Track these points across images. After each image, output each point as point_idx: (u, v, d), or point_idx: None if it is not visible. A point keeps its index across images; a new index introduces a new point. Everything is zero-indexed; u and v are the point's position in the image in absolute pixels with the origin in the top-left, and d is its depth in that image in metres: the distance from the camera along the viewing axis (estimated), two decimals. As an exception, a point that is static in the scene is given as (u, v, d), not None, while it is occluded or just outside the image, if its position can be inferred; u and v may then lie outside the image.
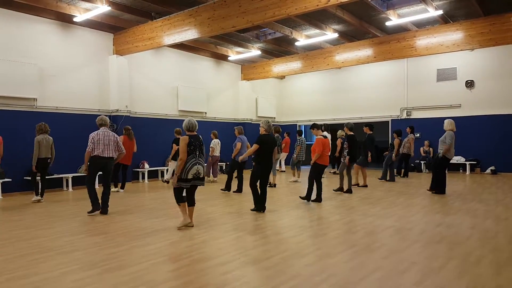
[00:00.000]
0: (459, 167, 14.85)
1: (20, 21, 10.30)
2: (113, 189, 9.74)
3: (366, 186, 10.42)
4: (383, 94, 16.74)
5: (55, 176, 10.58)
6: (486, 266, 3.92)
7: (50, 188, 10.52)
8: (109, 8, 9.93)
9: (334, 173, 14.85)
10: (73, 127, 11.33)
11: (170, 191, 10.41)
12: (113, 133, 7.07)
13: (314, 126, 8.24)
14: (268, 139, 6.92)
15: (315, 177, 8.00)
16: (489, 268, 3.86)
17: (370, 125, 10.85)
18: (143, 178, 13.17)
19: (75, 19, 10.68)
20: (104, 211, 6.99)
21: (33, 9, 10.20)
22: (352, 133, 9.28)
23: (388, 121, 16.54)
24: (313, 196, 8.03)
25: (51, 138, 8.50)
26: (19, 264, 4.16)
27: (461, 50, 11.80)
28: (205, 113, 15.65)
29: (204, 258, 4.27)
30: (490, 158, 14.04)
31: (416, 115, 15.93)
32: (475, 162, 14.34)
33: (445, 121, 8.94)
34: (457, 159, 14.66)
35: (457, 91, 14.93)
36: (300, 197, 8.25)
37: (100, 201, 7.01)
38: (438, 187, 8.87)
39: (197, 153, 5.53)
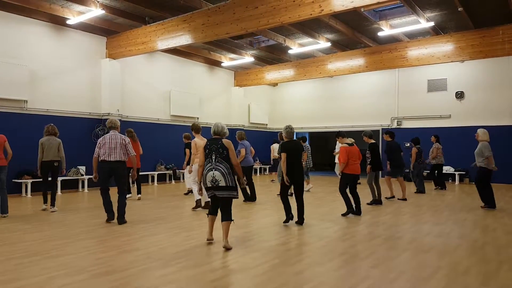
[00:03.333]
0: (448, 177, 15.01)
1: (12, 23, 10.23)
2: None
3: (405, 199, 9.56)
4: (374, 103, 16.90)
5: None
6: (474, 276, 3.95)
7: (39, 191, 10.37)
8: (103, 11, 9.91)
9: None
10: (64, 130, 11.17)
11: (160, 196, 10.35)
12: (123, 136, 6.59)
13: (339, 134, 7.83)
14: (291, 145, 6.52)
15: (345, 188, 7.47)
16: (477, 278, 3.89)
17: (390, 132, 9.98)
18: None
19: (68, 22, 10.63)
20: (120, 221, 6.46)
21: (25, 10, 10.14)
22: (373, 140, 8.87)
23: (379, 130, 16.68)
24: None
25: (58, 140, 7.95)
26: (4, 268, 4.09)
27: (452, 61, 11.98)
28: (198, 118, 15.63)
29: (194, 264, 4.24)
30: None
31: (406, 124, 16.09)
32: (464, 173, 14.51)
33: (479, 130, 8.60)
34: (446, 169, 14.80)
35: (447, 102, 15.14)
36: (341, 214, 7.41)
37: (117, 209, 6.56)
38: (488, 201, 8.51)
39: (213, 158, 4.91)
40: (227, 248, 4.84)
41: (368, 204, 8.71)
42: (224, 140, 5.02)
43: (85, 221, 6.70)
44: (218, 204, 5.08)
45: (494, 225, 6.55)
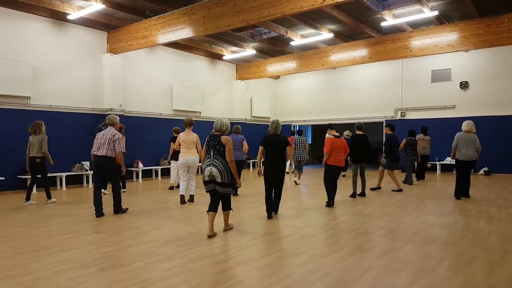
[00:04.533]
0: (452, 168, 14.96)
1: (13, 19, 10.21)
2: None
3: (400, 190, 9.61)
4: (378, 94, 16.82)
5: (48, 174, 10.47)
6: (478, 266, 3.95)
7: (43, 186, 10.44)
8: (103, 6, 9.87)
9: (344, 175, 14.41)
10: (66, 126, 11.27)
11: (163, 191, 10.39)
12: (113, 132, 6.69)
13: (328, 126, 7.92)
14: (270, 139, 6.47)
15: (327, 179, 7.57)
16: (482, 268, 3.89)
17: (390, 125, 10.17)
18: (137, 177, 13.12)
19: (68, 17, 10.61)
20: (114, 211, 6.88)
21: (26, 6, 10.12)
22: (360, 132, 8.89)
23: (383, 122, 16.61)
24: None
25: (42, 136, 8.04)
26: (12, 263, 4.13)
27: (456, 51, 11.87)
28: (200, 112, 15.62)
29: (199, 257, 4.27)
30: (484, 159, 14.12)
31: (410, 115, 16.01)
32: (468, 163, 14.44)
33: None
34: (450, 160, 14.77)
35: (451, 92, 15.04)
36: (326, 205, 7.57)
37: (113, 203, 6.91)
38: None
39: (211, 154, 5.08)
40: (229, 229, 5.42)
41: (350, 196, 8.70)
42: (223, 137, 5.13)
43: (90, 216, 6.74)
44: (217, 200, 5.27)
45: (499, 215, 6.53)
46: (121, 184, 9.43)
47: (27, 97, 10.41)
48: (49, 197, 8.31)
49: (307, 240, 5.04)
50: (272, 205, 6.54)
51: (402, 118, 16.05)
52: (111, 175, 6.78)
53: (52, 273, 3.79)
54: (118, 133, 6.78)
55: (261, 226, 5.81)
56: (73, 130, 11.41)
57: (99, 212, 6.65)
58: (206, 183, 5.16)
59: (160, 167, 13.71)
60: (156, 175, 13.81)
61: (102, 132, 6.76)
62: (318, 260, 4.15)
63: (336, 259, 4.20)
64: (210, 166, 5.05)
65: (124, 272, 3.81)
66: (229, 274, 3.74)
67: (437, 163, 15.02)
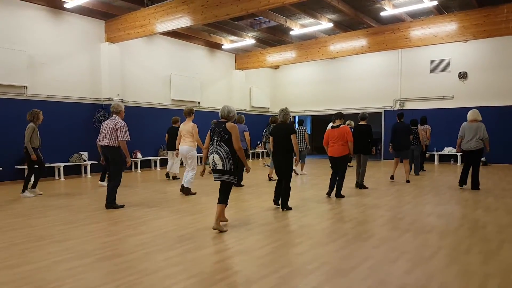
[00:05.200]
0: (450, 158, 15.02)
1: (9, 7, 10.10)
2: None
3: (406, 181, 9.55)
4: (377, 85, 16.78)
5: (46, 164, 10.46)
6: (475, 255, 3.98)
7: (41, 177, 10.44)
8: (101, -6, 9.77)
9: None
10: (64, 115, 11.22)
11: (162, 182, 10.40)
12: (116, 120, 6.48)
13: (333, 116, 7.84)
14: (277, 127, 6.44)
15: (333, 168, 7.55)
16: (478, 257, 3.91)
17: (398, 113, 10.25)
18: (136, 168, 13.12)
19: (65, 5, 10.50)
20: (106, 206, 6.55)
21: (23, -6, 10.01)
22: (363, 122, 8.78)
23: (382, 112, 16.60)
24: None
25: (28, 125, 7.83)
26: (10, 253, 4.14)
27: (455, 41, 11.81)
28: (199, 102, 15.57)
29: (197, 247, 4.28)
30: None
31: (409, 106, 16.00)
32: (466, 153, 14.47)
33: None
34: (448, 150, 14.83)
35: (450, 83, 15.01)
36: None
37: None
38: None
39: (215, 141, 4.90)
40: (219, 231, 4.89)
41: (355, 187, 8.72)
42: (228, 124, 4.94)
43: (89, 206, 6.75)
44: None
45: (496, 205, 6.57)
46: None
47: (24, 86, 10.35)
48: (33, 186, 8.01)
49: (306, 229, 5.05)
50: (279, 195, 6.48)
51: (401, 108, 16.03)
52: (114, 166, 6.49)
53: (50, 263, 3.80)
54: (121, 121, 6.53)
55: (260, 216, 5.83)
56: (71, 120, 11.37)
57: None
58: (213, 172, 4.98)
59: (159, 157, 13.70)
60: (155, 166, 13.82)
61: (106, 121, 6.57)
62: (316, 250, 4.17)
63: (334, 248, 4.22)
64: (213, 153, 4.89)
65: (123, 261, 3.82)
66: (228, 264, 3.76)
67: (435, 153, 15.05)
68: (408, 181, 9.49)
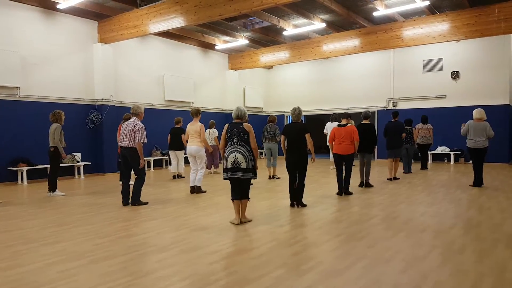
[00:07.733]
0: (444, 157, 15.12)
1: (1, 8, 9.99)
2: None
3: (394, 178, 9.79)
4: (370, 84, 16.84)
5: (40, 166, 10.38)
6: (468, 254, 4.00)
7: (34, 178, 10.37)
8: (93, -6, 9.70)
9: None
10: (57, 116, 11.11)
11: (157, 182, 10.36)
12: (135, 122, 6.72)
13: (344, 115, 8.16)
14: (290, 127, 6.52)
15: (338, 166, 7.66)
16: (472, 256, 3.94)
17: (393, 112, 10.47)
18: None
19: (58, 6, 10.40)
20: (130, 202, 6.85)
21: (14, -5, 9.91)
22: (365, 121, 8.76)
23: (375, 112, 16.66)
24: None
25: (54, 125, 8.03)
26: (2, 255, 4.09)
27: (447, 41, 11.89)
28: (192, 103, 15.52)
29: (191, 248, 4.27)
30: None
31: (402, 105, 16.07)
32: (459, 152, 14.60)
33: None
34: (441, 149, 14.93)
35: (443, 82, 15.10)
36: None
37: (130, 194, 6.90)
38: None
39: (235, 141, 5.18)
40: (247, 221, 5.38)
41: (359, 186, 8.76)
42: (245, 124, 5.27)
43: (82, 208, 6.70)
44: (237, 188, 5.29)
45: (489, 204, 6.62)
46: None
47: (17, 87, 10.24)
48: (50, 189, 8.13)
49: (300, 229, 5.06)
50: (295, 194, 6.52)
51: (394, 107, 16.11)
52: (134, 166, 6.81)
53: (43, 266, 3.76)
54: (140, 123, 6.77)
55: (254, 216, 5.81)
56: (64, 121, 11.24)
57: (125, 201, 6.84)
58: (226, 170, 5.22)
59: (152, 158, 13.64)
60: (149, 166, 13.76)
61: (126, 122, 6.85)
62: (311, 249, 4.17)
63: (329, 248, 4.23)
64: (234, 152, 5.15)
65: (116, 263, 3.79)
66: (222, 265, 3.74)
67: (429, 152, 15.13)
68: (396, 178, 9.71)
